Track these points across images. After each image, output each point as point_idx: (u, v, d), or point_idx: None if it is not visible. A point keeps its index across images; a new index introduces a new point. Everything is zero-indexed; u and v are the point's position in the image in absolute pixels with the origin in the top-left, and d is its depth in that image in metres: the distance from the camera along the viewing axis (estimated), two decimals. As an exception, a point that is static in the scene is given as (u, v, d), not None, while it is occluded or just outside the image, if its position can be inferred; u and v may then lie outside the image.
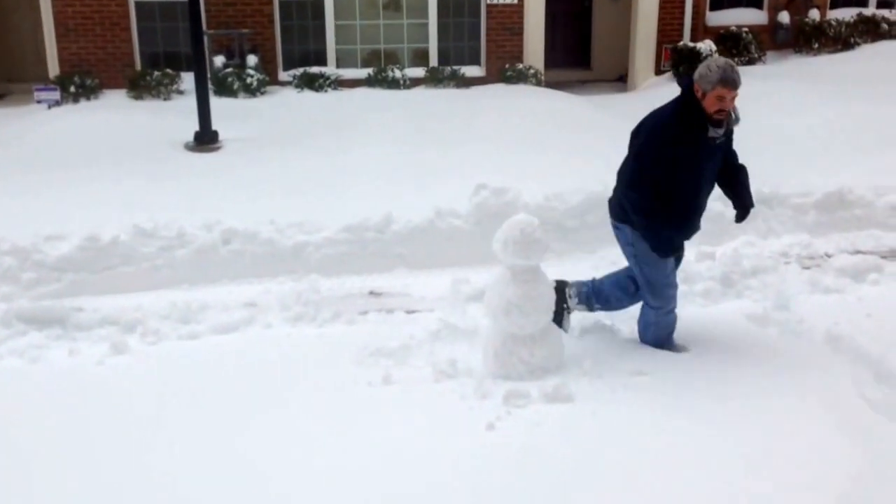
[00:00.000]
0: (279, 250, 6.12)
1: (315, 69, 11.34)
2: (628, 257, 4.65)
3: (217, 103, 9.22)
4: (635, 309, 5.19)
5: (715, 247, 6.14)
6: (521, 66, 11.85)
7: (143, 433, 3.91)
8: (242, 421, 3.99)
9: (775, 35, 13.13)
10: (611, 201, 4.66)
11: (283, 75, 11.67)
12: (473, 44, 12.35)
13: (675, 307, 4.67)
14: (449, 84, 11.46)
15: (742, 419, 3.90)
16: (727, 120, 4.32)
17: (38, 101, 9.95)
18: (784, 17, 13.14)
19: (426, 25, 12.11)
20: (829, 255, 6.34)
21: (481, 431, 3.81)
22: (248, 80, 10.70)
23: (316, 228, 6.28)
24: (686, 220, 4.49)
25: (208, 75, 9.36)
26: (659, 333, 4.70)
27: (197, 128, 8.61)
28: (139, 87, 10.69)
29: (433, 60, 12.13)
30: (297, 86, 11.13)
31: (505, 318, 4.26)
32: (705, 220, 4.73)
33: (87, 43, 11.33)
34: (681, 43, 12.22)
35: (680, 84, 4.41)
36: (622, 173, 4.51)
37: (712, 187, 4.59)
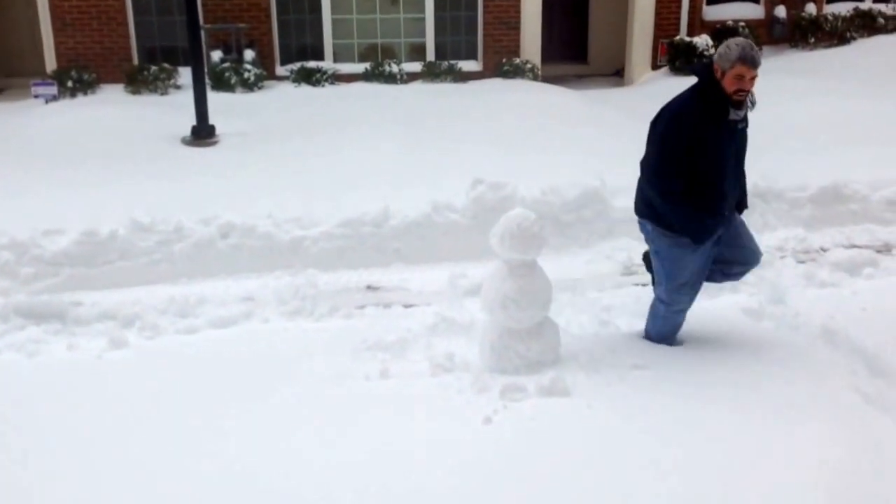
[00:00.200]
0: (277, 244, 6.14)
1: (312, 64, 11.33)
2: (651, 254, 4.59)
3: (214, 98, 9.21)
4: (632, 305, 5.22)
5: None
6: (517, 60, 11.85)
7: (141, 427, 3.92)
8: (240, 415, 4.00)
9: (772, 29, 13.13)
10: (635, 197, 4.58)
11: (281, 70, 11.68)
12: (470, 38, 12.35)
13: (686, 308, 4.61)
14: (446, 79, 11.45)
15: (737, 412, 3.91)
16: (746, 102, 4.22)
17: (36, 96, 9.92)
18: (781, 11, 13.14)
19: (423, 20, 12.12)
20: (824, 250, 6.37)
21: (478, 425, 3.82)
22: (246, 74, 10.69)
23: (313, 223, 6.30)
24: (713, 205, 4.30)
25: (205, 70, 9.35)
26: (664, 329, 4.66)
27: (194, 122, 8.62)
28: (136, 81, 10.69)
29: (430, 55, 12.14)
30: (294, 80, 11.13)
31: (502, 313, 4.27)
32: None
33: (84, 37, 11.33)
34: (677, 37, 12.21)
35: (693, 72, 4.34)
36: (645, 164, 4.39)
37: (736, 175, 4.43)
